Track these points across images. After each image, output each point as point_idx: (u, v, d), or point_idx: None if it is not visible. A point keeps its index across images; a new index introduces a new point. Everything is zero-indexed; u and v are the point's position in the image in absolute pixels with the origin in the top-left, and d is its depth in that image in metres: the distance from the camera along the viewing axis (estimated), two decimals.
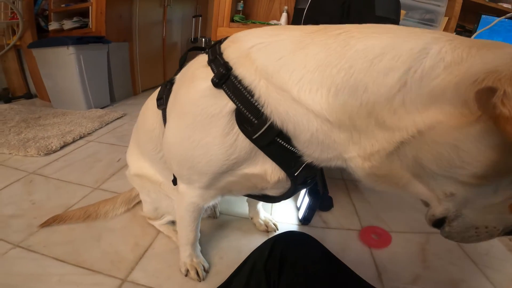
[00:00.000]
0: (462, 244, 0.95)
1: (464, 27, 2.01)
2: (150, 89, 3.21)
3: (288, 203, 1.15)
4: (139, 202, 1.01)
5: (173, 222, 0.92)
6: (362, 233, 1.00)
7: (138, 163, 0.84)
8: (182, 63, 0.64)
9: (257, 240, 0.93)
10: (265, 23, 1.86)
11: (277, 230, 0.98)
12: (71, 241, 0.89)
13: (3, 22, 2.52)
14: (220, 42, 0.53)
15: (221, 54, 0.49)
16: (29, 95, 2.79)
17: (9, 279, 0.76)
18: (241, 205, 1.08)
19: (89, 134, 1.79)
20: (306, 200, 1.03)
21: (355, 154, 0.42)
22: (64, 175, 1.28)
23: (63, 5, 2.60)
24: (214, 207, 1.01)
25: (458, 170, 0.34)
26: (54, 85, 2.33)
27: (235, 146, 0.49)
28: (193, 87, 0.51)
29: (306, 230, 1.00)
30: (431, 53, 0.34)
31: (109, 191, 1.17)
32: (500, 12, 1.80)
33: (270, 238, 0.60)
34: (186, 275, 0.78)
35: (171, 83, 0.62)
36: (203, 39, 3.48)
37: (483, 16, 1.77)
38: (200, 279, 0.76)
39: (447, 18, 1.69)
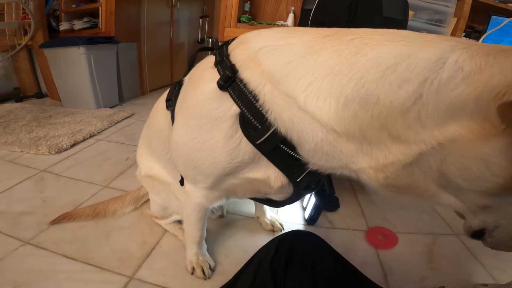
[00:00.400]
0: (470, 246, 0.94)
1: (474, 27, 1.98)
2: (157, 89, 3.24)
3: (294, 203, 1.15)
4: (147, 201, 1.02)
5: (179, 221, 0.94)
6: (368, 233, 1.00)
7: (148, 164, 0.85)
8: (191, 64, 0.64)
9: (263, 240, 0.94)
10: (271, 23, 1.86)
11: (283, 229, 0.99)
12: (81, 238, 0.90)
13: (15, 22, 2.56)
14: (228, 43, 0.53)
15: (228, 55, 0.48)
16: (40, 95, 2.84)
17: (18, 276, 0.77)
18: (248, 205, 1.08)
19: (98, 133, 1.82)
20: (313, 200, 1.03)
21: (366, 165, 0.41)
22: (74, 173, 1.31)
23: (73, 6, 2.64)
24: (221, 206, 1.02)
25: (487, 183, 0.32)
26: (64, 84, 2.37)
27: (238, 150, 0.49)
28: (199, 88, 0.51)
29: (312, 230, 1.00)
30: (448, 62, 0.33)
31: (118, 189, 1.19)
32: (509, 13, 1.78)
33: (276, 237, 0.61)
34: (192, 273, 0.78)
35: (180, 84, 0.62)
36: (210, 40, 3.50)
37: (493, 16, 1.74)
38: (205, 277, 0.77)
39: (456, 18, 1.67)
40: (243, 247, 0.91)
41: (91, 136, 1.75)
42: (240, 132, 0.47)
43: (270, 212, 1.01)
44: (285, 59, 0.43)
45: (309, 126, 0.41)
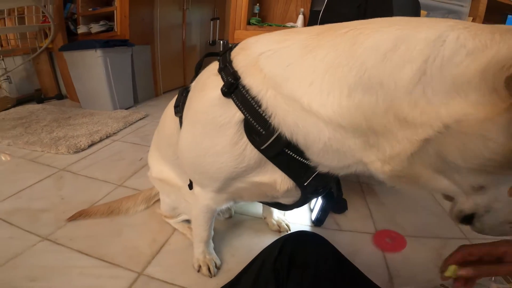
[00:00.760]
0: None
1: None
2: (171, 90, 3.29)
3: None
4: (158, 200, 1.06)
5: (187, 221, 0.96)
6: (376, 236, 0.99)
7: (159, 167, 0.87)
8: (198, 70, 0.64)
9: (269, 240, 0.94)
10: (281, 25, 1.86)
11: (290, 230, 1.00)
12: (95, 235, 0.95)
13: (35, 25, 2.66)
14: (231, 49, 0.53)
15: (230, 62, 0.49)
16: (60, 96, 2.95)
17: (33, 271, 0.80)
18: (255, 206, 1.10)
19: (114, 133, 1.89)
20: (320, 201, 1.04)
21: (374, 158, 0.40)
22: (91, 172, 1.36)
23: (90, 9, 2.71)
24: (229, 208, 1.04)
25: (487, 161, 0.32)
26: (83, 86, 2.45)
27: (243, 156, 0.49)
28: (203, 95, 0.52)
29: (318, 232, 1.00)
30: (448, 40, 0.32)
31: (131, 188, 1.24)
32: None
33: (281, 237, 0.61)
34: (198, 271, 0.81)
35: (187, 90, 0.64)
36: (221, 42, 3.53)
37: (509, 16, 1.68)
38: (211, 275, 0.80)
39: (471, 18, 1.62)
40: (249, 246, 0.93)
41: (107, 137, 1.82)
42: (245, 138, 0.48)
43: (277, 213, 1.02)
44: (284, 62, 0.43)
45: (315, 127, 0.41)
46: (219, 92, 0.48)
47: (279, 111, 0.44)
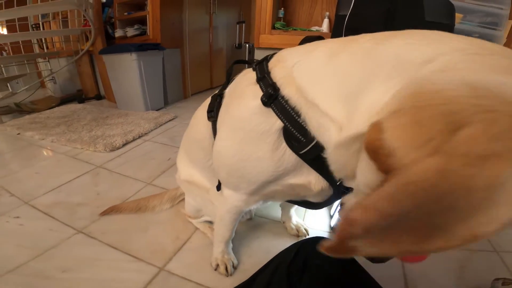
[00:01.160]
0: (507, 262, 0.89)
1: None
2: (198, 92, 3.38)
3: (321, 210, 1.16)
4: (183, 200, 1.11)
5: (209, 221, 1.00)
6: None
7: (188, 170, 0.90)
8: (229, 77, 0.67)
9: (287, 243, 0.95)
10: (306, 29, 1.85)
11: (308, 235, 1.01)
12: (124, 230, 1.01)
13: (78, 29, 2.86)
14: (267, 59, 0.56)
15: (268, 73, 0.52)
16: (98, 97, 3.15)
17: (66, 262, 0.87)
18: (275, 209, 1.12)
19: (145, 134, 1.99)
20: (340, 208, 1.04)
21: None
22: (124, 170, 1.46)
23: (125, 13, 2.85)
24: (250, 210, 1.07)
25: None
26: (119, 88, 2.60)
27: (282, 160, 0.52)
28: (244, 104, 0.55)
29: None
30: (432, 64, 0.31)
31: (159, 187, 1.31)
32: None
33: (298, 241, 0.62)
34: (215, 269, 0.84)
35: (220, 96, 0.66)
36: (247, 45, 3.56)
37: None
38: (227, 274, 0.83)
39: (511, 22, 1.51)
40: (266, 249, 0.95)
41: (139, 137, 1.93)
42: (284, 144, 0.51)
43: (296, 218, 1.04)
44: (310, 71, 0.46)
45: (331, 131, 0.43)
46: (259, 101, 0.50)
47: (311, 120, 0.46)
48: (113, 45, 2.81)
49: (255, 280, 0.63)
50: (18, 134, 2.04)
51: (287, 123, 0.48)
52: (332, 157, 0.45)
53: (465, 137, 0.21)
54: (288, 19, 1.99)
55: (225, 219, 0.77)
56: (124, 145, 1.78)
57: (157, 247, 0.94)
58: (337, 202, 1.09)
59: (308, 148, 0.47)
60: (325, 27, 1.82)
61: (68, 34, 2.94)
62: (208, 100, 0.73)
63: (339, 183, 0.52)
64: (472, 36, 0.35)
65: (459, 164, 0.20)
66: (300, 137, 0.47)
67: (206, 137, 0.71)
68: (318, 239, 0.63)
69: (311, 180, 0.54)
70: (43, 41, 3.43)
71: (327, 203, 0.62)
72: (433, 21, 1.27)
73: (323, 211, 1.16)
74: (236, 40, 3.75)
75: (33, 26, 3.34)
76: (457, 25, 1.35)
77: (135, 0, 2.74)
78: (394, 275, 0.86)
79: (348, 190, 0.57)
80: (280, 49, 0.57)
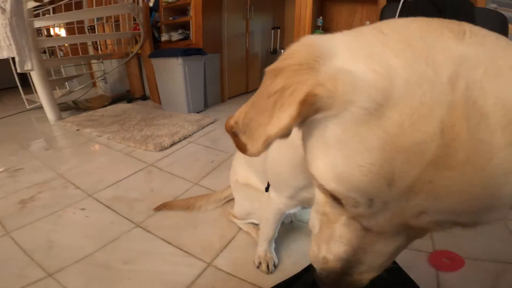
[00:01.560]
0: None
1: None
2: (235, 96, 3.49)
3: None
4: (227, 202, 1.21)
5: (253, 223, 1.08)
6: (433, 255, 0.98)
7: (246, 173, 0.97)
8: None
9: None
10: None
11: None
12: (175, 225, 1.12)
13: (129, 32, 3.09)
14: None
15: None
16: (144, 97, 3.39)
17: (127, 254, 0.94)
18: None
19: (189, 135, 2.11)
20: None
21: None
22: (173, 169, 1.59)
23: (170, 18, 3.02)
24: (291, 214, 1.13)
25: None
26: (165, 90, 2.78)
27: None
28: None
29: None
30: None
31: (205, 187, 1.41)
32: None
33: None
34: (257, 267, 0.92)
35: None
36: (282, 51, 3.59)
37: None
38: (268, 272, 0.90)
39: None
40: (304, 251, 1.01)
41: (184, 138, 2.06)
42: None
43: None
44: None
45: None
46: None
47: None
48: (161, 49, 2.99)
49: (299, 278, 0.71)
50: (78, 130, 2.28)
51: None
52: None
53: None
54: (327, 27, 2.00)
55: (270, 220, 0.85)
56: (171, 145, 1.92)
57: (206, 244, 1.03)
58: None
59: None
60: None
61: (120, 38, 3.20)
62: None
63: None
64: None
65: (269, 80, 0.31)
66: None
67: None
68: None
69: None
70: (98, 43, 3.77)
71: None
72: None
73: None
74: (271, 45, 3.81)
75: (89, 28, 3.67)
76: (510, 36, 1.30)
77: (179, 5, 2.90)
78: (427, 284, 0.87)
79: None
80: None
